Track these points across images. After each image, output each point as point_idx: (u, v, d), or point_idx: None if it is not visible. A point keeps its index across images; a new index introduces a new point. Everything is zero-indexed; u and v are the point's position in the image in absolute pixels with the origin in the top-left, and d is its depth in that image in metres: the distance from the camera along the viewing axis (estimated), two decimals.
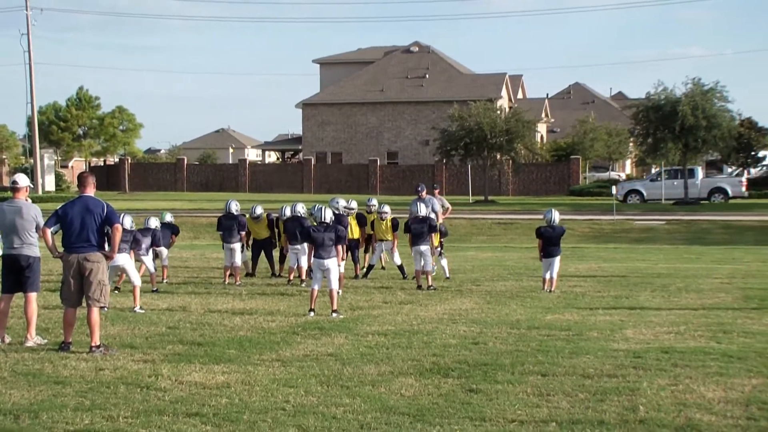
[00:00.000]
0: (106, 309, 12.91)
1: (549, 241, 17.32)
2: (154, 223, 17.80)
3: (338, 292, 14.89)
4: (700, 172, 51.02)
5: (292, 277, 18.60)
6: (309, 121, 71.52)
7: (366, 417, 7.84)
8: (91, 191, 11.22)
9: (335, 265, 14.37)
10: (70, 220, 10.98)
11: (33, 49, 57.64)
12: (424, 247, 17.67)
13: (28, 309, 11.40)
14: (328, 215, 14.52)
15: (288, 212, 19.03)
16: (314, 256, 14.42)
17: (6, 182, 64.87)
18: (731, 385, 9.02)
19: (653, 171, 51.44)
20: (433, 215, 18.76)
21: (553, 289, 17.14)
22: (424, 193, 19.85)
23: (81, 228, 10.94)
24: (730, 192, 49.28)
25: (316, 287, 14.42)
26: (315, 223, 14.67)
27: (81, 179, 11.36)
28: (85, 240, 10.95)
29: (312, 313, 14.10)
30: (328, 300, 14.29)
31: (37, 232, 11.42)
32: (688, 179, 48.70)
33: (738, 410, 8.08)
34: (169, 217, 19.73)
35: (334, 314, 13.91)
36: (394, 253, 19.50)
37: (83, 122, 72.83)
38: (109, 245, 11.15)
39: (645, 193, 49.91)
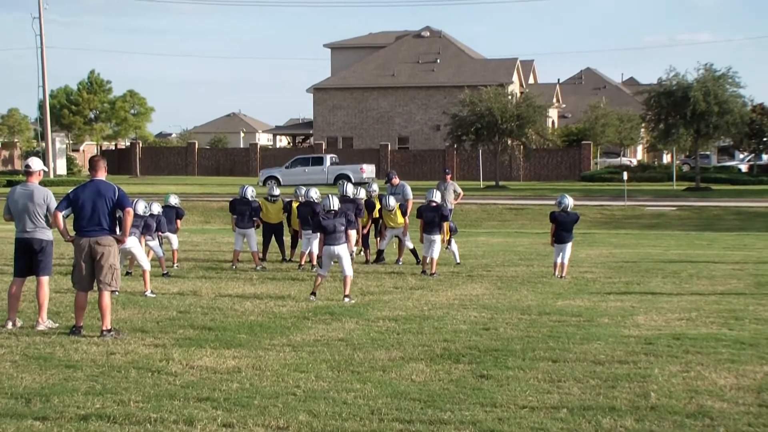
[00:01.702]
0: (117, 293, 12.92)
1: (562, 227, 17.28)
2: (156, 208, 17.47)
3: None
4: (327, 160, 53.99)
5: (303, 262, 18.60)
6: (320, 105, 71.46)
7: (377, 402, 7.84)
8: (102, 175, 11.20)
9: (346, 251, 14.34)
10: (82, 204, 10.97)
11: (44, 33, 57.66)
12: (435, 236, 17.62)
13: (40, 293, 11.43)
14: (335, 203, 14.52)
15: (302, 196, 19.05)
16: (325, 243, 14.40)
17: (18, 165, 64.98)
18: (743, 372, 8.98)
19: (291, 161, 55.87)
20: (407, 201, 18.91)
21: (564, 274, 17.10)
22: (395, 179, 19.89)
23: (92, 212, 10.94)
24: (352, 178, 50.69)
25: (324, 273, 14.41)
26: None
27: (92, 163, 11.32)
28: (96, 224, 10.94)
29: (313, 297, 14.10)
30: (340, 285, 14.29)
31: (48, 215, 11.43)
32: (316, 166, 53.12)
33: (750, 397, 8.05)
34: (174, 200, 19.31)
35: (346, 299, 13.90)
36: (405, 237, 19.46)
37: (94, 106, 72.74)
38: (120, 229, 11.16)
39: (281, 179, 51.36)
